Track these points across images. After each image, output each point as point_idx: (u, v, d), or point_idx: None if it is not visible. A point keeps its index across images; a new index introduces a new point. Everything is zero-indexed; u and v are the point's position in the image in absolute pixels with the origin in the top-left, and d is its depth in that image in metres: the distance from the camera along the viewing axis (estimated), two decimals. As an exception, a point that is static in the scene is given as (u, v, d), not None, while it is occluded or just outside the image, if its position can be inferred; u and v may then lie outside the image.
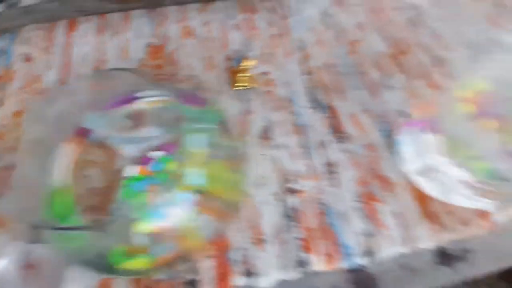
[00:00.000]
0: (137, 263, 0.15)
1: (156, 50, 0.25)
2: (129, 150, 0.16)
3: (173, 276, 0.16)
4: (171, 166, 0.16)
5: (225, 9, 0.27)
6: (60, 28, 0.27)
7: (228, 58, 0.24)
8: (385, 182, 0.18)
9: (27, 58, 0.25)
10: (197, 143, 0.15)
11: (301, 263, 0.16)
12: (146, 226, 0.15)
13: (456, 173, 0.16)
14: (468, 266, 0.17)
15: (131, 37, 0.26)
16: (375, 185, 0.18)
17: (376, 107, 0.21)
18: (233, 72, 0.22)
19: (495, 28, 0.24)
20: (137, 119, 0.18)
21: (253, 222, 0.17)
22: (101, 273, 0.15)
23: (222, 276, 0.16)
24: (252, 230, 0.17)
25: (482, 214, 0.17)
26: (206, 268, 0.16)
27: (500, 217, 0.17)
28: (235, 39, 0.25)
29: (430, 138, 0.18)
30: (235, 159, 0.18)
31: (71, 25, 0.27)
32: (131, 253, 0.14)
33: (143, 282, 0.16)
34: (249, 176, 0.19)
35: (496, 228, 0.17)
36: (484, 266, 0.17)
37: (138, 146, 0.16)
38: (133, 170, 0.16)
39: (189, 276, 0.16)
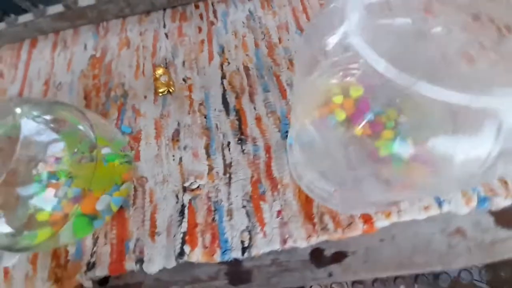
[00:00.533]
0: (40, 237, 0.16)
1: (96, 61, 0.27)
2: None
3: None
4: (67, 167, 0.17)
5: (161, 18, 0.29)
6: (25, 47, 0.30)
7: (155, 66, 0.26)
8: (275, 183, 0.19)
9: (0, 74, 0.30)
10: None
11: (181, 254, 0.17)
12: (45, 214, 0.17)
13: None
14: (341, 269, 0.17)
15: (77, 51, 0.28)
16: (265, 185, 0.19)
17: (281, 109, 0.22)
18: (156, 79, 0.24)
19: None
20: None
21: (152, 215, 0.19)
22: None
23: (117, 260, 0.18)
24: (149, 223, 0.19)
25: (364, 218, 0.17)
26: (104, 252, 0.18)
27: (380, 222, 0.17)
28: (164, 47, 0.27)
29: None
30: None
31: (33, 44, 0.30)
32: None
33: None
34: (156, 174, 0.21)
35: (375, 232, 0.17)
36: (359, 271, 0.17)
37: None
38: (42, 168, 0.19)
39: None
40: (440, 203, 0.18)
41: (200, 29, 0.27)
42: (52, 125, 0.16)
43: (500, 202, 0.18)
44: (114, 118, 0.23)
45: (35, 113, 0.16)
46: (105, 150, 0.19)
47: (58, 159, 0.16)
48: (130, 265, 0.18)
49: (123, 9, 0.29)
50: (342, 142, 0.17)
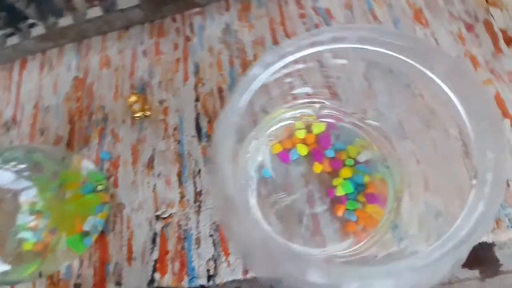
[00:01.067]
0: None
1: (79, 83, 0.28)
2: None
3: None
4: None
5: (139, 34, 0.28)
6: (16, 68, 0.31)
7: (132, 87, 0.26)
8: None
9: (-4, 96, 0.31)
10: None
11: (152, 281, 0.19)
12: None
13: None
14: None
15: (62, 72, 0.29)
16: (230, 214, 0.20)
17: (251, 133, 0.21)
18: (130, 105, 0.24)
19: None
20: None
21: (129, 241, 0.20)
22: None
23: (99, 282, 0.20)
24: (126, 248, 0.21)
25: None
26: (88, 274, 0.20)
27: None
28: (141, 67, 0.27)
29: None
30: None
31: (23, 65, 0.31)
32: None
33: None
34: (132, 201, 0.22)
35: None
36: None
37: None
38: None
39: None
40: (398, 239, 0.18)
41: (176, 46, 0.27)
42: (25, 173, 0.17)
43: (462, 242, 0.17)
44: (95, 143, 0.24)
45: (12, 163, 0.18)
46: (82, 184, 0.21)
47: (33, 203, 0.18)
48: (110, 286, 0.20)
49: (101, 26, 0.28)
50: (303, 177, 0.17)
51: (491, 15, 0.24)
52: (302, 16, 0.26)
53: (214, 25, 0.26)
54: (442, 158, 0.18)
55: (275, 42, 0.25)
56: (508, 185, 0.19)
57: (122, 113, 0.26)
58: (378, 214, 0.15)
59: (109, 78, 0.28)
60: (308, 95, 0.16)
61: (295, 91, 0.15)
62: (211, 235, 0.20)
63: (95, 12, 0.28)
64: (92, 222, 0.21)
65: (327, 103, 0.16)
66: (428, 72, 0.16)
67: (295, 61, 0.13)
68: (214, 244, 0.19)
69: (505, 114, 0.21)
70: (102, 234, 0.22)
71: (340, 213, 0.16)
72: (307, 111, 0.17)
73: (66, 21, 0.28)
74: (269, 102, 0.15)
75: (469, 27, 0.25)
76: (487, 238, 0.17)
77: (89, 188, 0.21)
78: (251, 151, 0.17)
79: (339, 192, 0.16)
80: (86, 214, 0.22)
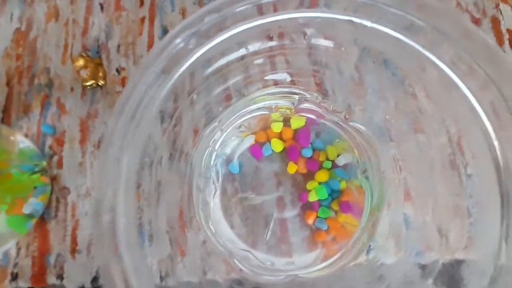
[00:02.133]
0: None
1: (20, 37, 0.22)
2: None
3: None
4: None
5: (97, -19, 0.23)
6: None
7: (85, 49, 0.22)
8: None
9: None
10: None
11: (96, 278, 0.17)
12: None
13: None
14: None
15: (3, 23, 0.23)
16: (193, 211, 0.17)
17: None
18: (77, 71, 0.20)
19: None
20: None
21: (73, 231, 0.17)
22: None
23: (39, 274, 0.17)
24: (70, 239, 0.18)
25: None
26: (25, 265, 0.18)
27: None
28: (97, 24, 0.22)
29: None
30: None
31: None
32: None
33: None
34: (79, 186, 0.19)
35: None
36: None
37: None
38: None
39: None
40: (368, 249, 0.17)
41: (141, 2, 0.22)
42: None
43: (432, 257, 0.16)
44: (37, 114, 0.20)
45: None
46: (13, 163, 0.17)
47: None
48: (51, 279, 0.18)
49: (48, -35, 0.23)
50: (275, 177, 0.15)
51: (500, 12, 0.22)
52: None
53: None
54: (426, 166, 0.17)
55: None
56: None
57: (71, 80, 0.21)
58: (351, 225, 0.14)
59: (57, 33, 0.23)
60: (290, 82, 0.13)
61: (273, 75, 0.12)
62: (167, 232, 0.18)
63: None
64: (33, 205, 0.18)
65: (307, 95, 0.13)
66: (435, 60, 0.13)
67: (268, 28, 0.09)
68: (171, 241, 0.18)
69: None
70: (43, 221, 0.19)
71: (310, 220, 0.15)
72: (284, 102, 0.14)
73: None
74: (244, 82, 0.12)
75: (476, 22, 0.23)
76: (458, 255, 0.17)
77: (22, 167, 0.18)
78: (216, 141, 0.15)
79: (312, 197, 0.15)
80: (26, 196, 0.19)
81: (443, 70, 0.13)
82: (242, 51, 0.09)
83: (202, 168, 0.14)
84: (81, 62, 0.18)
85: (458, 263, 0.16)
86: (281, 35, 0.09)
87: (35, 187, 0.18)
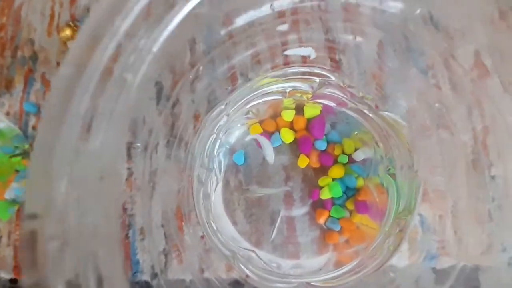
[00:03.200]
0: None
1: (5, 5, 0.20)
2: None
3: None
4: None
5: None
6: None
7: (73, 18, 0.19)
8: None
9: None
10: None
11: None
12: None
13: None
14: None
15: None
16: (192, 204, 0.16)
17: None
18: (63, 42, 0.17)
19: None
20: None
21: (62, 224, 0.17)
22: None
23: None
24: (61, 232, 0.17)
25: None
26: (7, 255, 0.16)
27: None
28: (88, -9, 0.20)
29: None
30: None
31: None
32: None
33: None
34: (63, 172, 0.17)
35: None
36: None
37: None
38: None
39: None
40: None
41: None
42: None
43: (446, 262, 0.15)
44: (19, 90, 0.18)
45: None
46: None
47: None
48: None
49: None
50: (284, 170, 0.13)
51: None
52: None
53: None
54: (447, 165, 0.16)
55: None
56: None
57: (58, 54, 0.19)
58: (368, 228, 0.12)
59: (42, 1, 0.20)
60: (305, 62, 0.11)
61: (289, 51, 0.10)
62: (162, 225, 0.16)
63: None
64: (14, 191, 0.17)
65: (332, 78, 0.11)
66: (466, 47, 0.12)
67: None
68: (166, 236, 0.16)
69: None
70: (26, 207, 0.17)
71: (321, 220, 0.13)
72: (301, 85, 0.12)
73: None
74: (251, 62, 0.10)
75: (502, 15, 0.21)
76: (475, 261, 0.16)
77: (2, 149, 0.16)
78: (221, 127, 0.13)
79: (325, 194, 0.13)
80: (6, 181, 0.17)
81: (473, 59, 0.11)
82: (265, 9, 0.07)
83: (205, 158, 0.12)
84: (67, 32, 0.16)
85: (474, 270, 0.16)
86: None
87: (16, 171, 0.17)
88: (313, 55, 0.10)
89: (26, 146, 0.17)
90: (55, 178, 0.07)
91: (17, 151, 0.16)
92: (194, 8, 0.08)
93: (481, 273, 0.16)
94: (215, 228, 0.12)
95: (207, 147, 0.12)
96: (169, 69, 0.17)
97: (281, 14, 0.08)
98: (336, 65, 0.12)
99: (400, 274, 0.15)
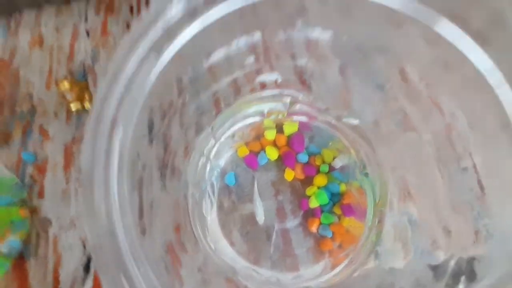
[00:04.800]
0: None
1: (3, 65, 0.22)
2: None
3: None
4: None
5: (82, 10, 0.23)
6: None
7: (70, 73, 0.21)
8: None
9: None
10: None
11: (82, 319, 0.15)
12: None
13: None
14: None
15: None
16: (188, 233, 0.16)
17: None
18: (62, 95, 0.19)
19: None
20: None
21: (55, 268, 0.15)
22: None
23: None
24: (52, 276, 0.16)
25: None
26: None
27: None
28: (83, 49, 0.22)
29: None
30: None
31: None
32: None
33: None
34: (61, 216, 0.17)
35: None
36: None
37: None
38: None
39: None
40: (376, 255, 0.16)
41: (128, 26, 0.22)
42: None
43: (441, 256, 0.16)
44: (17, 143, 0.19)
45: None
46: None
47: None
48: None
49: (33, -3, 0.23)
50: (273, 186, 0.14)
51: None
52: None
53: (176, 4, 0.22)
54: (420, 163, 0.17)
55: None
56: (483, 193, 0.18)
57: (55, 105, 0.20)
58: (356, 229, 0.13)
59: (41, 60, 0.22)
60: (277, 84, 0.13)
61: (262, 78, 0.12)
62: (162, 258, 0.16)
63: None
64: (10, 243, 0.16)
65: (299, 96, 0.13)
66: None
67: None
68: (167, 269, 0.16)
69: None
70: (21, 260, 0.17)
71: (314, 228, 0.14)
72: (276, 105, 0.13)
73: None
74: (231, 87, 0.12)
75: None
76: (468, 252, 0.16)
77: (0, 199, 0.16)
78: (210, 150, 0.14)
79: (313, 203, 0.14)
80: (2, 233, 0.16)
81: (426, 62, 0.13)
82: (227, 49, 0.09)
83: (196, 179, 0.12)
84: (66, 84, 0.17)
85: (470, 260, 0.16)
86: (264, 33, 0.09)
87: (11, 221, 0.16)
88: (279, 79, 0.12)
89: (24, 195, 0.17)
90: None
91: (15, 200, 0.16)
92: (179, 50, 0.09)
93: (477, 263, 0.16)
94: (214, 248, 0.12)
95: (198, 169, 0.13)
96: (158, 105, 0.19)
97: (252, 49, 0.10)
98: (305, 87, 0.13)
99: (399, 276, 0.15)
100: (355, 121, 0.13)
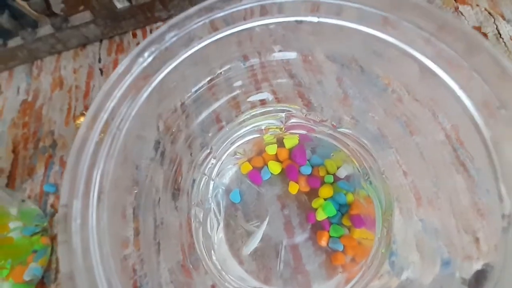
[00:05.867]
0: None
1: (27, 107, 0.24)
2: None
3: None
4: None
5: (96, 52, 0.25)
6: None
7: (86, 108, 0.23)
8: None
9: None
10: None
11: None
12: None
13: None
14: None
15: (10, 96, 0.25)
16: (200, 251, 0.16)
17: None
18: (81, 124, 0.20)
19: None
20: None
21: None
22: None
23: None
24: None
25: None
26: None
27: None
28: (97, 85, 0.24)
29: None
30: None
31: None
32: None
33: None
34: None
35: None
36: None
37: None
38: None
39: None
40: (396, 270, 0.15)
41: (137, 62, 0.24)
42: None
43: (470, 266, 0.14)
44: (40, 174, 0.20)
45: None
46: (13, 225, 0.17)
47: None
48: None
49: (54, 45, 0.25)
50: (278, 200, 0.14)
51: (461, 13, 0.23)
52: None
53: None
54: (431, 167, 0.16)
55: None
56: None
57: (74, 138, 0.22)
58: (367, 240, 0.12)
59: (61, 99, 0.24)
60: (274, 100, 0.13)
61: (252, 98, 0.12)
62: (172, 281, 0.16)
63: (46, 30, 0.25)
64: (33, 271, 0.17)
65: (293, 110, 0.13)
66: (416, 55, 0.13)
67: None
68: None
69: None
70: (43, 285, 0.17)
71: (324, 242, 0.13)
72: (273, 121, 0.14)
73: (15, 41, 0.25)
74: (228, 105, 0.12)
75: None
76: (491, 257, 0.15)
77: (24, 230, 0.17)
78: (211, 169, 0.14)
79: (320, 216, 0.13)
80: (25, 261, 0.17)
81: (423, 66, 0.13)
82: (214, 73, 0.10)
83: (199, 198, 0.13)
84: (82, 119, 0.19)
85: (491, 266, 0.14)
86: (251, 55, 0.10)
87: (35, 251, 0.17)
88: (270, 97, 0.12)
89: (45, 224, 0.18)
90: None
91: (37, 230, 0.17)
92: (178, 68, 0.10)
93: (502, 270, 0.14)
94: (219, 267, 0.12)
95: (201, 188, 0.13)
96: (164, 127, 0.20)
97: (251, 68, 0.10)
98: (306, 102, 0.14)
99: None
100: (348, 131, 0.13)
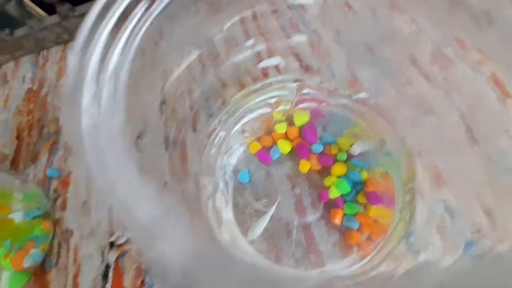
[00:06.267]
0: None
1: (32, 95, 0.24)
2: None
3: None
4: None
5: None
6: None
7: None
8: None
9: None
10: None
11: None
12: None
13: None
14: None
15: (15, 85, 0.25)
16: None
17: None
18: None
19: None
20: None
21: (74, 278, 0.15)
22: None
23: None
24: (72, 286, 0.16)
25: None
26: None
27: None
28: (103, 73, 0.24)
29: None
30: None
31: (-26, 79, 0.27)
32: None
33: None
34: (82, 226, 0.18)
35: None
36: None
37: None
38: None
39: None
40: (413, 250, 0.14)
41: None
42: None
43: (487, 246, 0.14)
44: (44, 160, 0.20)
45: None
46: (15, 206, 0.16)
47: None
48: None
49: (61, 34, 0.25)
50: (288, 179, 0.14)
51: None
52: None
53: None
54: (448, 147, 0.15)
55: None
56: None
57: (79, 124, 0.22)
58: (385, 217, 0.12)
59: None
60: (278, 70, 0.13)
61: (263, 64, 0.12)
62: (179, 263, 0.15)
63: (53, 19, 0.25)
64: (33, 257, 0.17)
65: (306, 79, 0.13)
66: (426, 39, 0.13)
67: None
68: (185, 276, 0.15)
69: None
70: (43, 270, 0.17)
71: (337, 220, 0.12)
72: (282, 93, 0.13)
73: (22, 30, 0.25)
74: (233, 73, 0.12)
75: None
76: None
77: (26, 215, 0.17)
78: (220, 141, 0.13)
79: (333, 193, 0.13)
80: (25, 246, 0.17)
81: (435, 47, 0.13)
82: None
83: (208, 170, 0.12)
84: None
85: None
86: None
87: (36, 237, 0.17)
88: (282, 63, 0.12)
89: (49, 208, 0.18)
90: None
91: (39, 213, 0.16)
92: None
93: None
94: (228, 241, 0.11)
95: (209, 159, 0.12)
96: (172, 117, 0.19)
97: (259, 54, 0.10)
98: (310, 70, 0.13)
99: (445, 274, 0.13)
100: (365, 95, 0.12)
